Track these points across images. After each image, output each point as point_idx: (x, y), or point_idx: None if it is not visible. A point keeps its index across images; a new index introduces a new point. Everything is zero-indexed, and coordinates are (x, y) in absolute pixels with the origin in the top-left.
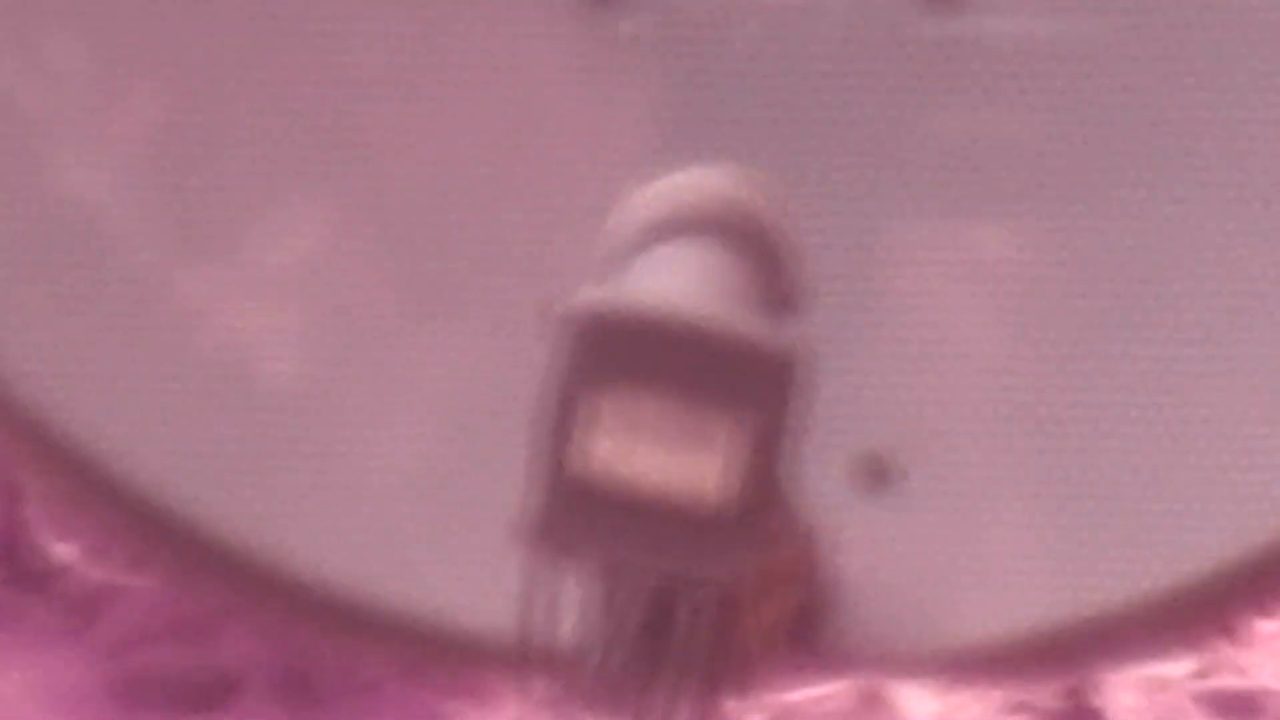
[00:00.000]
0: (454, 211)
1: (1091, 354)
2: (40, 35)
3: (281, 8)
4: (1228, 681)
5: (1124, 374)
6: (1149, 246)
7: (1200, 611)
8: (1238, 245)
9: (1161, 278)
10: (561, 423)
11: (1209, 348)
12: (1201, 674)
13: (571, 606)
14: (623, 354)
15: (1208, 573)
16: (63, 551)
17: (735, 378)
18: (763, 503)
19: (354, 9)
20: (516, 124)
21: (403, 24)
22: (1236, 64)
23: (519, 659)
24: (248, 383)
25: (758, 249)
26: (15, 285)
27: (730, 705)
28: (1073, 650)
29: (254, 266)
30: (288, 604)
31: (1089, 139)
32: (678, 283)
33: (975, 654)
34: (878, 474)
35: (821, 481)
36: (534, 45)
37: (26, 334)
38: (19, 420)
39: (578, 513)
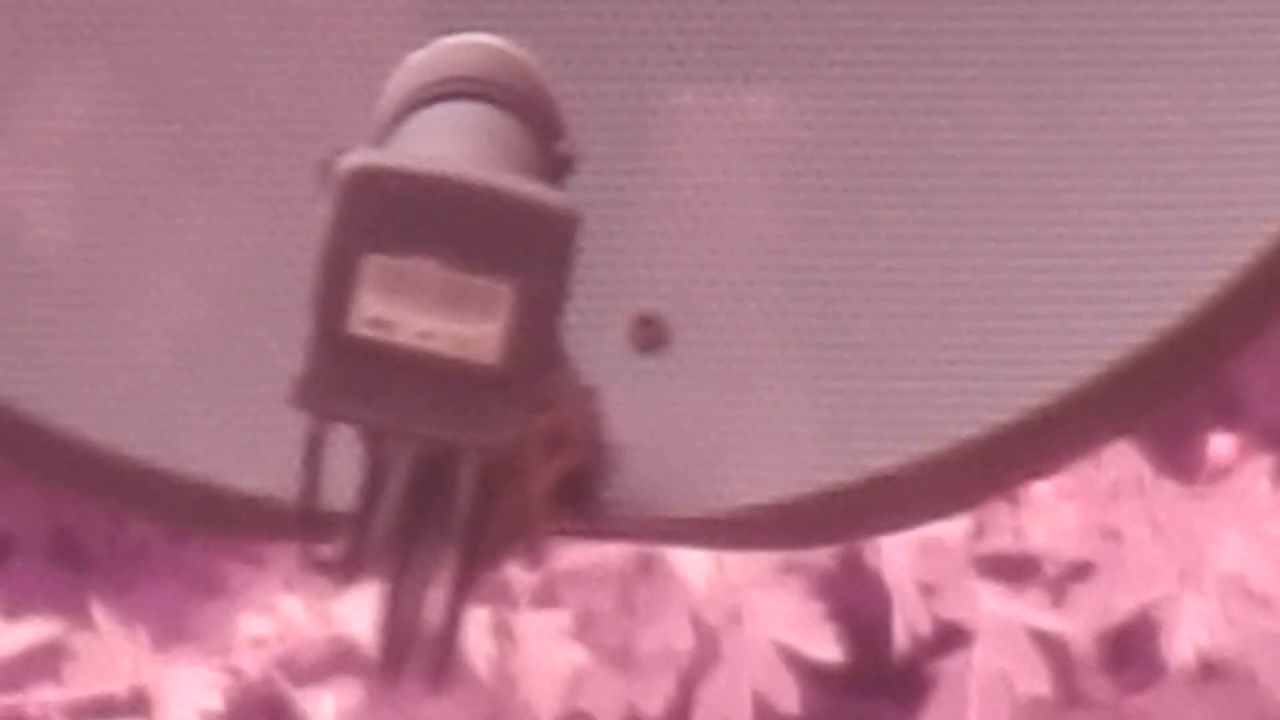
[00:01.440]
0: (224, 73)
1: (858, 216)
2: None
3: None
4: (1003, 543)
5: (889, 236)
6: (915, 108)
7: (975, 474)
8: (1002, 105)
9: (927, 139)
10: (332, 285)
11: (974, 210)
12: (977, 535)
13: (350, 470)
14: (394, 215)
15: (982, 436)
16: None
17: (510, 237)
18: (539, 365)
19: None
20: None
21: None
22: None
23: (292, 523)
24: (16, 248)
25: (528, 112)
26: None
27: (507, 569)
28: (847, 513)
29: (21, 133)
30: (57, 469)
31: (856, 2)
32: (450, 143)
33: (749, 517)
34: (653, 335)
35: (597, 343)
36: None
37: None
38: None
39: (349, 376)
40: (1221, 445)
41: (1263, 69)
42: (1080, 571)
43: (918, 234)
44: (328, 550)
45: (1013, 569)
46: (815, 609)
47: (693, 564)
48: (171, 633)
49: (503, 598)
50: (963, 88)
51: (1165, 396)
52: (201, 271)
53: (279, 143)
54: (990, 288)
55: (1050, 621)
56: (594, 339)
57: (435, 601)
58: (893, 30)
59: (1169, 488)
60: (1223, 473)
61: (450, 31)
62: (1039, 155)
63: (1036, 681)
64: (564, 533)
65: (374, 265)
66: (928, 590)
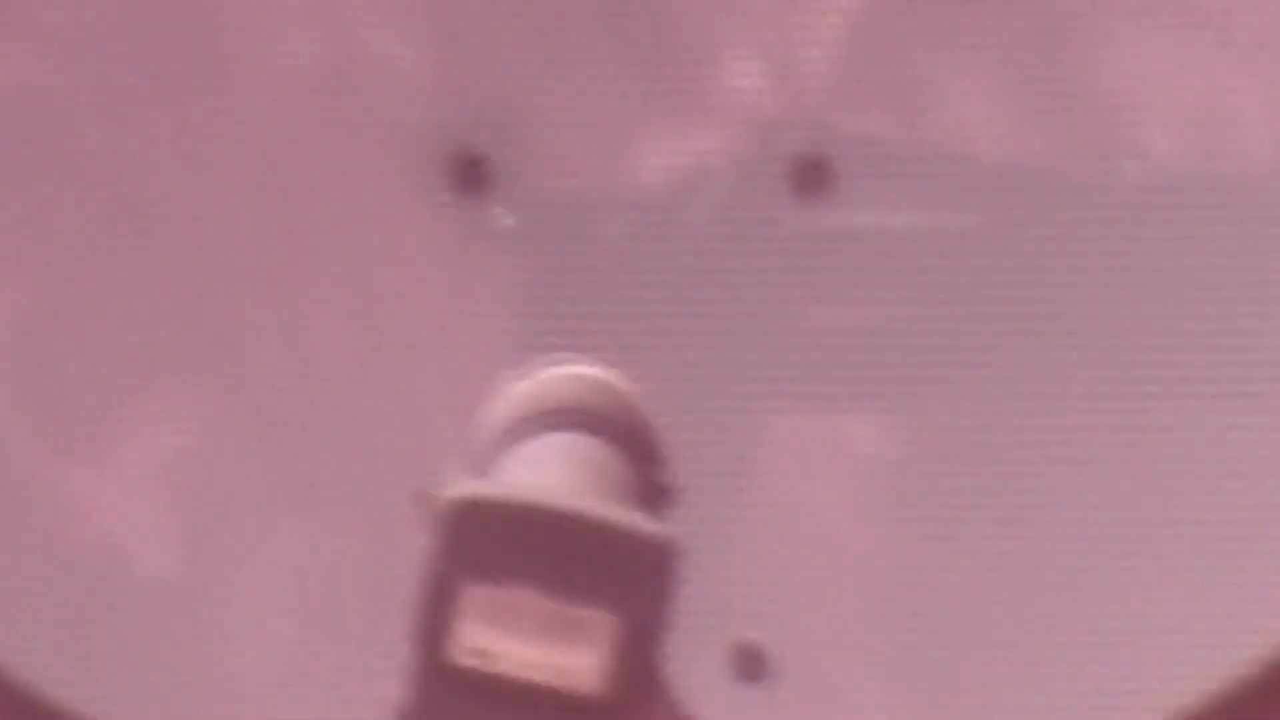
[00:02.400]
0: (323, 400)
1: (954, 542)
2: None
3: (149, 199)
4: None
5: (983, 564)
6: (1010, 435)
7: None
8: (1097, 434)
9: (1022, 466)
10: (436, 613)
11: (1067, 540)
12: None
13: None
14: (495, 545)
15: None
16: None
17: (611, 568)
18: (640, 695)
19: (219, 200)
20: (384, 313)
21: (270, 215)
22: (1094, 257)
23: None
24: (121, 575)
25: (629, 441)
26: None
27: None
28: None
29: (120, 459)
30: None
31: (953, 330)
32: (550, 473)
33: None
34: (753, 664)
35: (698, 672)
36: (402, 235)
37: None
38: None
39: (450, 703)
40: None
41: None
42: None
43: (1016, 559)
44: None
45: None
46: None
47: None
48: None
49: None
50: (1057, 417)
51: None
52: (299, 597)
53: (376, 468)
54: (1088, 616)
55: None
56: (694, 668)
57: None
58: (988, 359)
59: None
60: None
61: (549, 362)
62: (1139, 484)
63: None
64: None
65: (475, 595)
66: None
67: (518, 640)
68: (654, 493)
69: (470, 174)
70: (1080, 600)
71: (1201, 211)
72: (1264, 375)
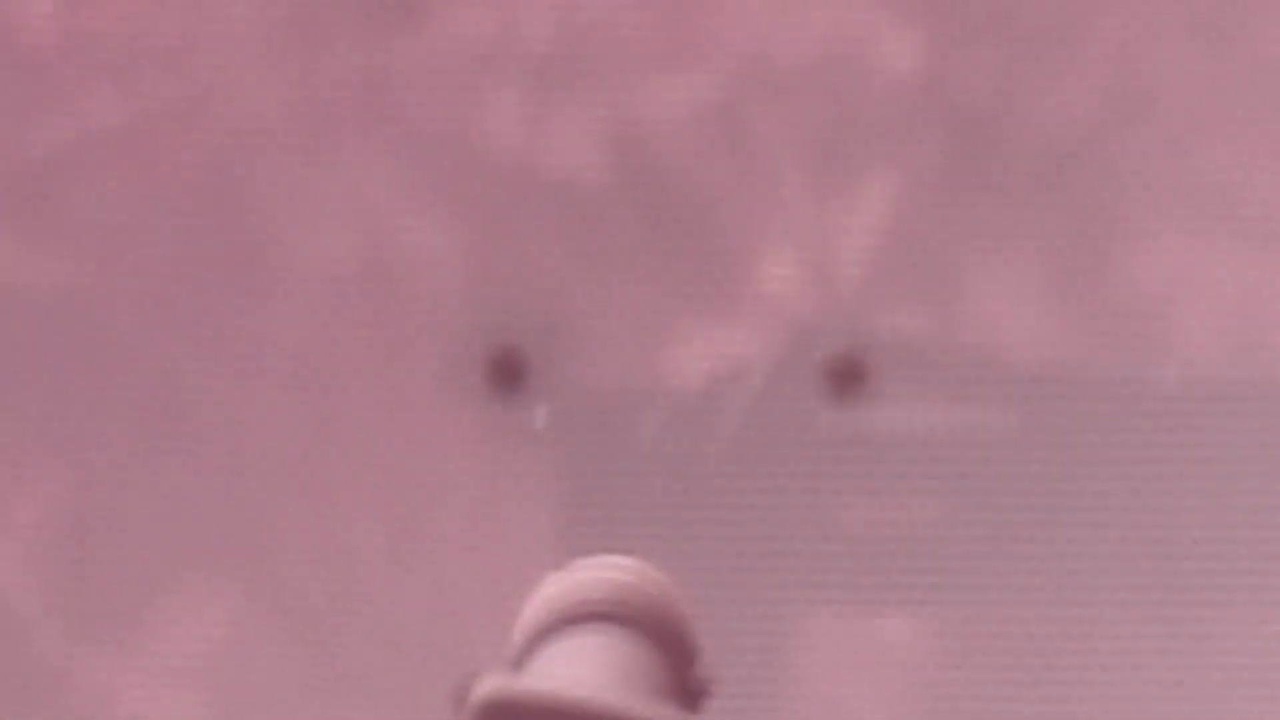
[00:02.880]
0: (358, 596)
1: None
2: None
3: (188, 398)
4: None
5: None
6: (1041, 635)
7: None
8: (1129, 636)
9: (1053, 667)
10: None
11: None
12: None
13: None
14: None
15: None
16: None
17: None
18: None
19: (258, 398)
20: (420, 510)
21: (302, 410)
22: (1128, 459)
23: None
24: None
25: (664, 637)
26: None
27: None
28: None
29: (157, 650)
30: None
31: (986, 530)
32: (586, 670)
33: None
34: None
35: None
36: (440, 432)
37: None
38: None
39: None
40: None
41: None
42: None
43: None
44: None
45: None
46: None
47: None
48: None
49: None
50: (1090, 616)
51: None
52: None
53: (410, 664)
54: None
55: None
56: None
57: None
58: (1020, 559)
59: None
60: None
61: (587, 552)
62: (1173, 683)
63: None
64: None
65: None
66: None
67: None
68: (688, 690)
69: (508, 372)
70: None
71: (1237, 414)
72: None
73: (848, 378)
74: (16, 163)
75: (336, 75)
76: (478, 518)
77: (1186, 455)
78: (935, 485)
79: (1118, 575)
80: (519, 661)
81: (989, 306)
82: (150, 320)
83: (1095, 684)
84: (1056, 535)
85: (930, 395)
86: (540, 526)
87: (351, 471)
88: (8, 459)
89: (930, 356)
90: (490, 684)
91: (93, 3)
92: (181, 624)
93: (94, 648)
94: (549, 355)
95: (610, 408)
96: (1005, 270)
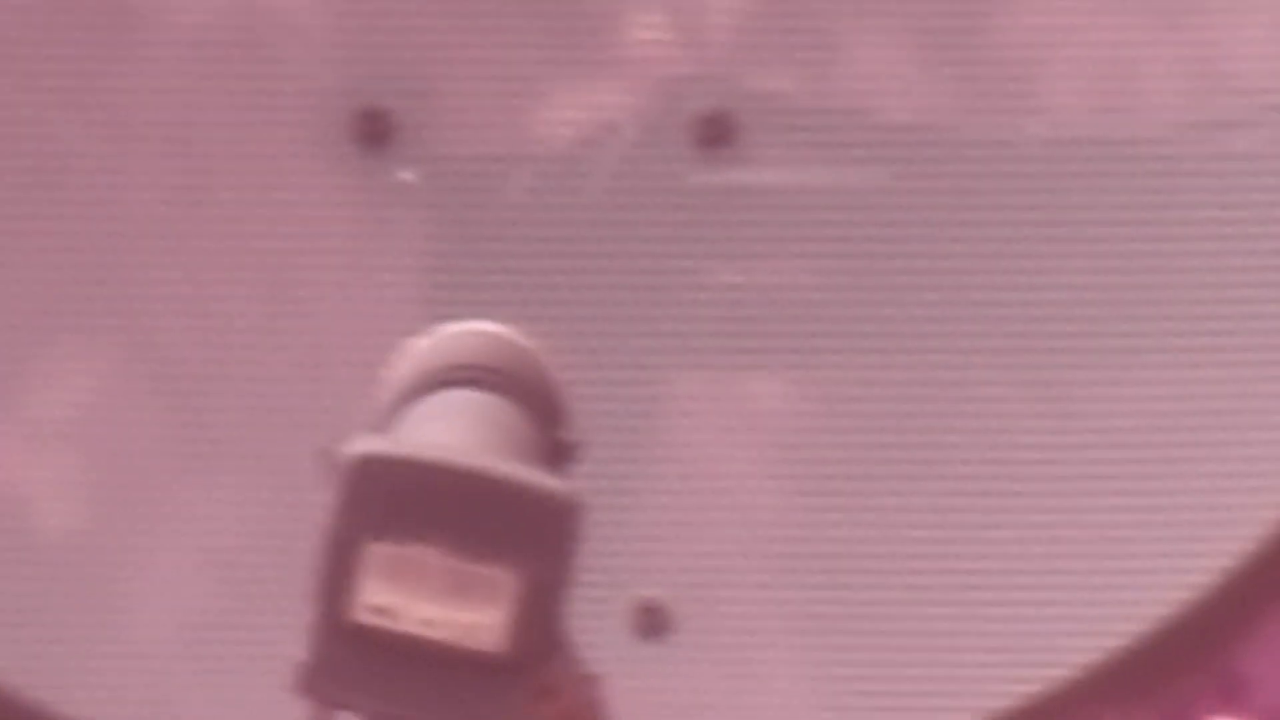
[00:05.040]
0: (226, 358)
1: (858, 500)
2: None
3: (53, 157)
4: None
5: (889, 521)
6: (918, 395)
7: None
8: (1004, 392)
9: (929, 425)
10: (336, 571)
11: (974, 495)
12: None
13: None
14: (397, 502)
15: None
16: None
17: (512, 525)
18: (542, 653)
19: (124, 158)
20: (286, 271)
21: (171, 171)
22: (996, 213)
23: None
24: (25, 532)
25: (532, 400)
26: None
27: None
28: None
29: (29, 413)
30: None
31: (858, 289)
32: (452, 431)
33: None
34: (655, 622)
35: (599, 630)
36: (304, 192)
37: None
38: None
39: (353, 661)
40: None
41: (1253, 358)
42: None
43: (917, 519)
44: None
45: None
46: None
47: None
48: None
49: None
50: (964, 374)
51: (1164, 681)
52: (204, 555)
53: (280, 427)
54: (991, 574)
55: None
56: (596, 626)
57: None
58: (890, 316)
59: None
60: None
61: (454, 318)
62: (1040, 443)
63: None
64: None
65: (377, 553)
66: None
67: (419, 598)
68: (557, 450)
69: (374, 130)
70: (980, 554)
71: (1105, 172)
72: (1164, 330)
73: (717, 134)
74: None
75: None
76: (347, 280)
77: (1054, 214)
78: (803, 242)
79: (985, 334)
80: (384, 424)
81: (860, 64)
82: (19, 83)
83: (963, 444)
84: (925, 294)
85: (800, 154)
86: (409, 289)
87: (221, 232)
88: None
89: (801, 114)
90: (357, 445)
91: None
92: (53, 387)
93: None
94: (417, 116)
95: (478, 169)
96: (876, 27)
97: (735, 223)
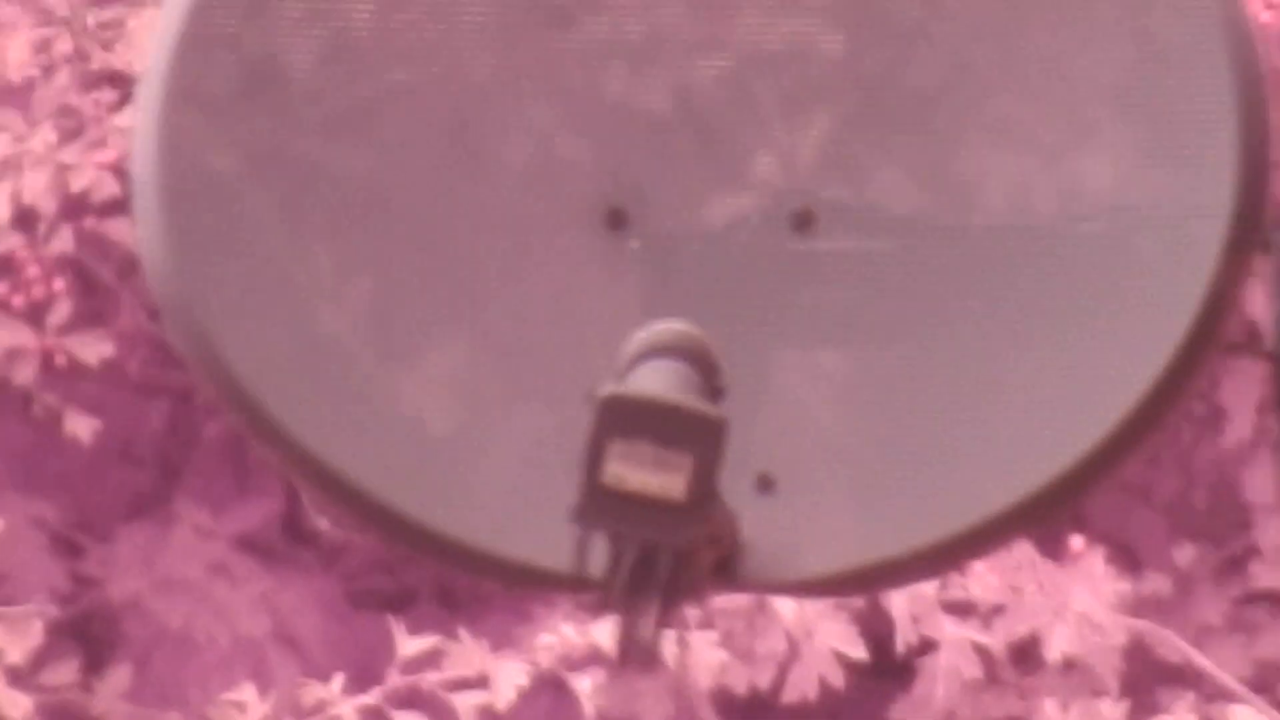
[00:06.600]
0: (539, 346)
1: (884, 424)
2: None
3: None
4: (957, 594)
5: (909, 428)
6: (936, 374)
7: (944, 559)
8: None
9: (941, 387)
10: (593, 455)
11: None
12: (942, 588)
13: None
14: (628, 420)
15: (949, 536)
16: (320, 523)
17: (689, 431)
18: (705, 500)
19: (447, 239)
20: (558, 301)
21: (473, 242)
22: (986, 272)
23: (572, 586)
24: (422, 430)
25: (702, 364)
26: (308, 384)
27: (687, 611)
28: (878, 577)
29: (431, 368)
30: (436, 552)
31: (904, 312)
32: (660, 381)
33: (820, 581)
34: (766, 484)
35: (734, 489)
36: (575, 254)
37: (311, 414)
38: (296, 458)
39: (604, 506)
40: (1077, 541)
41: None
42: (998, 610)
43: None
44: (592, 603)
45: (961, 608)
46: (853, 629)
47: (785, 605)
48: (502, 643)
49: (682, 624)
50: (966, 365)
51: (1054, 516)
52: (529, 441)
53: (567, 377)
54: (959, 440)
55: (982, 638)
56: (731, 488)
57: (648, 626)
58: (922, 328)
59: (1048, 564)
60: (1076, 556)
61: (661, 317)
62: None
63: (975, 671)
64: (717, 589)
65: (617, 446)
66: (914, 619)
67: (639, 470)
68: (713, 391)
69: (618, 217)
70: (953, 432)
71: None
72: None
73: (804, 225)
74: None
75: None
76: (602, 301)
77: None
78: (866, 283)
79: (982, 345)
80: (622, 376)
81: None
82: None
83: (956, 402)
84: (939, 320)
85: (863, 229)
86: (638, 306)
87: (523, 284)
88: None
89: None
90: (606, 388)
91: None
92: (439, 357)
93: (396, 368)
94: (645, 208)
95: (673, 239)
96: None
97: (819, 268)
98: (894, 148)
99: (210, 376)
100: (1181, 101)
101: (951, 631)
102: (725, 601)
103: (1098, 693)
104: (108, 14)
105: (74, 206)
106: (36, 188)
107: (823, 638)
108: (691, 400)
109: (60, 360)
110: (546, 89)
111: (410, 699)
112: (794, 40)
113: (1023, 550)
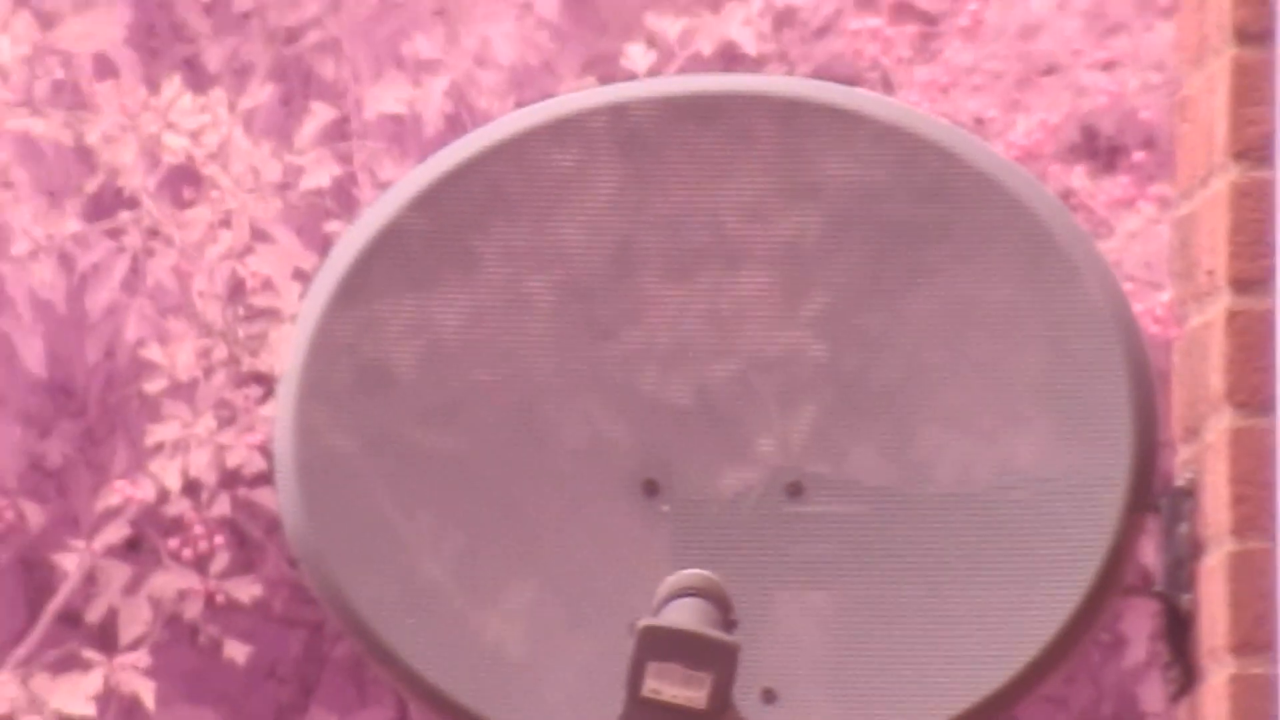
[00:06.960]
0: (592, 587)
1: (863, 648)
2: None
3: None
4: None
5: (882, 651)
6: (902, 609)
7: None
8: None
9: (906, 619)
10: (636, 675)
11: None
12: None
13: None
14: (662, 645)
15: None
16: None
17: (711, 655)
18: (723, 710)
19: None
20: (606, 551)
21: (539, 506)
22: (958, 530)
23: None
24: (503, 654)
25: (718, 602)
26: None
27: None
28: None
29: (507, 605)
30: None
31: (875, 561)
32: (685, 615)
33: None
34: (770, 696)
35: (744, 701)
36: (618, 515)
37: (417, 642)
38: (405, 677)
39: (644, 715)
40: None
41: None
42: None
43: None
44: None
45: None
46: None
47: None
48: None
49: None
50: (926, 598)
51: (998, 717)
52: (585, 664)
53: (611, 614)
54: (921, 660)
55: None
56: (743, 699)
57: None
58: (895, 572)
59: None
60: None
61: (685, 566)
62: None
63: None
64: None
65: (653, 667)
66: None
67: (671, 685)
68: (728, 623)
69: (649, 488)
70: (913, 645)
71: None
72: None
73: (796, 493)
74: None
75: None
76: (637, 555)
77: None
78: (849, 538)
79: (946, 582)
80: (656, 611)
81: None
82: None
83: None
84: (909, 563)
85: (846, 496)
86: (668, 557)
87: (568, 540)
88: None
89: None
90: (645, 621)
91: None
92: (506, 584)
93: (480, 607)
94: (674, 478)
95: (695, 504)
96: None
97: (810, 527)
98: (866, 432)
99: (337, 612)
100: (1088, 395)
101: None
102: None
103: None
104: (254, 328)
105: (230, 479)
106: (200, 464)
107: None
108: (711, 630)
109: (220, 599)
110: (594, 386)
111: None
112: (788, 348)
113: None
